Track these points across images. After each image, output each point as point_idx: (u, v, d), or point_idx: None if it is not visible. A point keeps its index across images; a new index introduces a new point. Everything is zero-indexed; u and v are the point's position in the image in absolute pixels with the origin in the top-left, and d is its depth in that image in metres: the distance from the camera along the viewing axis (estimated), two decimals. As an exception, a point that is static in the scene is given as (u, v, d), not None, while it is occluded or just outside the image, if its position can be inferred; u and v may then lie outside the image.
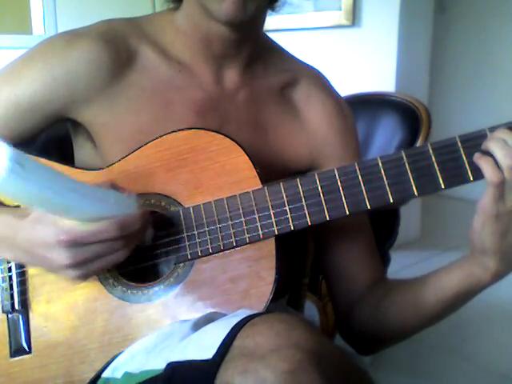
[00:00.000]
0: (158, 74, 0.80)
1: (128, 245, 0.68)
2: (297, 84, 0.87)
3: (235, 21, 0.73)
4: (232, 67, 0.82)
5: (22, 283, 0.77)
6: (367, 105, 1.41)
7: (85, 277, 0.69)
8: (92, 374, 0.72)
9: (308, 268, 1.01)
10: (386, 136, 1.34)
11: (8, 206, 0.76)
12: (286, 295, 0.91)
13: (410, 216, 2.81)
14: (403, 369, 1.75)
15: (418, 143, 1.25)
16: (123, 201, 0.69)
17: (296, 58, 0.91)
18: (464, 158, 0.68)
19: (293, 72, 0.87)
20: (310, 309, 1.29)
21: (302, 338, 0.53)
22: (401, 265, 2.21)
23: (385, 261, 1.30)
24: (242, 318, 0.59)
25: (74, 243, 0.65)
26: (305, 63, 0.91)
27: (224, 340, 0.56)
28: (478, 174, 0.68)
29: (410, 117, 1.30)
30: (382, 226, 0.94)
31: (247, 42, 0.81)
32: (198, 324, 0.67)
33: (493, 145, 0.67)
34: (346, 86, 1.07)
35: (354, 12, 2.56)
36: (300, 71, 0.88)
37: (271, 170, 0.76)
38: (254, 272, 0.72)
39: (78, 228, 0.65)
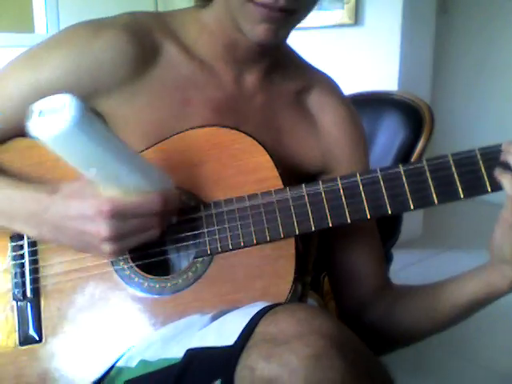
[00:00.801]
0: (179, 70, 0.80)
1: (163, 222, 0.69)
2: (311, 90, 0.88)
3: (265, 44, 0.75)
4: (252, 73, 0.83)
5: (35, 271, 0.76)
6: (370, 104, 1.41)
7: (119, 253, 0.69)
8: (105, 366, 0.72)
9: (310, 266, 1.00)
10: (388, 135, 1.34)
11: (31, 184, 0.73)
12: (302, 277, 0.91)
13: (412, 215, 2.80)
14: (405, 368, 1.75)
15: (421, 142, 1.25)
16: (163, 178, 0.69)
17: (311, 65, 0.92)
18: (483, 170, 0.70)
19: (307, 78, 0.89)
20: (312, 307, 1.29)
21: (324, 325, 0.54)
22: (403, 263, 2.22)
23: (387, 259, 1.30)
24: (263, 307, 0.59)
25: (117, 214, 0.65)
26: (319, 70, 0.92)
27: (245, 327, 0.57)
28: (496, 186, 0.70)
29: (413, 116, 1.29)
30: (384, 225, 0.94)
31: (271, 52, 0.82)
32: (217, 318, 0.67)
33: None
34: (348, 85, 1.07)
35: (356, 11, 2.56)
36: (314, 78, 0.90)
37: (284, 172, 0.77)
38: (272, 270, 0.72)
39: (122, 199, 0.65)
